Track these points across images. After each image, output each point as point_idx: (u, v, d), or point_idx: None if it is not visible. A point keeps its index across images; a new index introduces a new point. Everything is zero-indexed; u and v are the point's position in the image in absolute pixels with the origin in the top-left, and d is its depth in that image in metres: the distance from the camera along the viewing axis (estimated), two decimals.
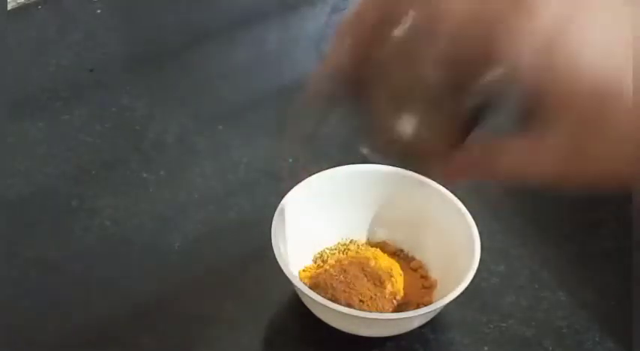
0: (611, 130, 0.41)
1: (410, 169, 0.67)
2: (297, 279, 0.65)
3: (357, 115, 0.48)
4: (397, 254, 0.71)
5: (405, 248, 0.72)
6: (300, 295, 0.65)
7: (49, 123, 0.82)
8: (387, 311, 0.66)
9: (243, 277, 0.71)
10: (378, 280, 0.67)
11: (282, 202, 0.68)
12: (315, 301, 0.63)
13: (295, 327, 0.68)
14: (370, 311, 0.65)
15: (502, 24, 0.41)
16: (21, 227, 0.74)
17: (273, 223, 0.66)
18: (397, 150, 0.47)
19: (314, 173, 0.71)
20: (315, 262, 0.70)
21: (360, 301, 0.66)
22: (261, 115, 0.85)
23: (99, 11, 0.93)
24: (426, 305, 0.64)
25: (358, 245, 0.72)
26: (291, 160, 0.80)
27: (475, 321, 0.69)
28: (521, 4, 0.40)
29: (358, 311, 0.63)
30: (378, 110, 0.46)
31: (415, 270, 0.70)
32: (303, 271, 0.69)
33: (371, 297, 0.67)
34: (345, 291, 0.67)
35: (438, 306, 0.63)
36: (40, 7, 0.93)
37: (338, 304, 0.64)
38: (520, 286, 0.71)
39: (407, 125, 0.46)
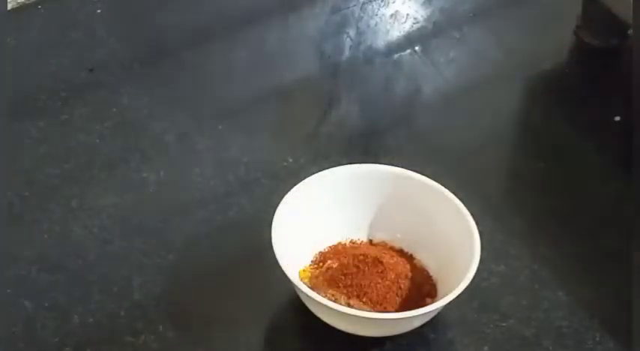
0: None
1: None
2: (297, 279, 0.65)
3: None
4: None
5: (405, 248, 0.72)
6: (300, 295, 0.65)
7: (49, 123, 0.82)
8: (387, 311, 0.66)
9: (243, 277, 0.71)
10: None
11: (282, 202, 0.68)
12: (315, 301, 0.63)
13: (295, 327, 0.68)
14: (370, 311, 0.65)
15: None
16: (21, 227, 0.74)
17: (273, 223, 0.66)
18: None
19: (314, 173, 0.71)
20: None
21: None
22: (261, 115, 0.85)
23: (99, 11, 0.93)
24: (426, 305, 0.64)
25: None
26: (291, 160, 0.80)
27: (475, 321, 0.69)
28: None
29: (358, 311, 0.63)
30: None
31: (415, 270, 0.70)
32: (303, 271, 0.69)
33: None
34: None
35: (438, 306, 0.63)
36: (40, 7, 0.93)
37: (338, 304, 0.64)
38: (520, 286, 0.71)
39: None
